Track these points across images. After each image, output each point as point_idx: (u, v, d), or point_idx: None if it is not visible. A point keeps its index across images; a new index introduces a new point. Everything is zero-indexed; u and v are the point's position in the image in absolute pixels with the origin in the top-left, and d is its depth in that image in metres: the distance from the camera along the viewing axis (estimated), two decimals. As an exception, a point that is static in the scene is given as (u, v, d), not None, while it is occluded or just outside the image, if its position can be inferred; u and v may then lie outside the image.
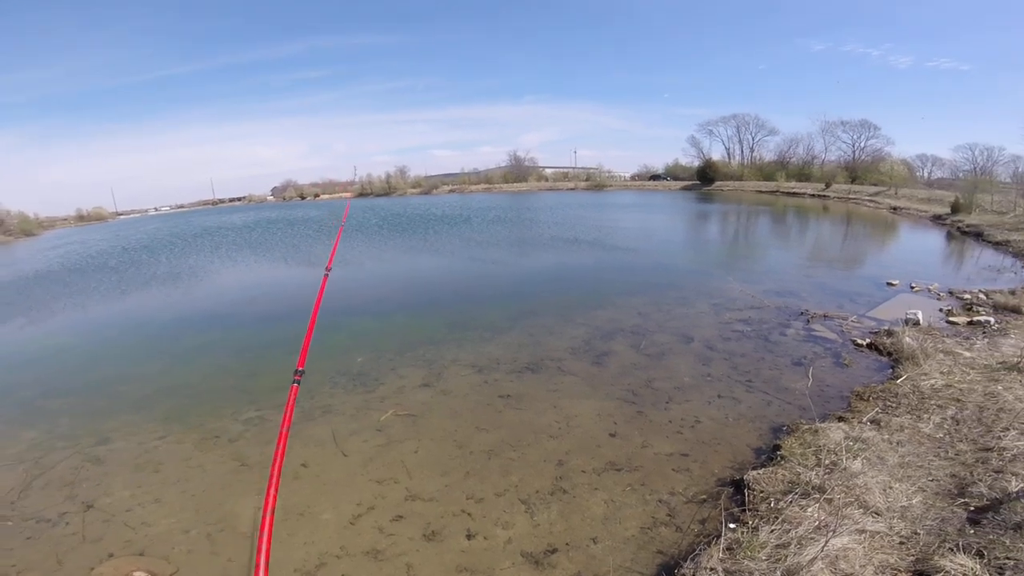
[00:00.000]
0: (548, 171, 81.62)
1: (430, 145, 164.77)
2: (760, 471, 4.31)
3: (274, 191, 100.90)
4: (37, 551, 3.99)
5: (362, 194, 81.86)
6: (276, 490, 1.49)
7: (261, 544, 1.30)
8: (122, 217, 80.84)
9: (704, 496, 4.22)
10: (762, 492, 4.00)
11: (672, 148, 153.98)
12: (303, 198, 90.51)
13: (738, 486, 4.24)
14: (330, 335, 8.87)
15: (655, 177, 70.23)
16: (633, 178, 74.54)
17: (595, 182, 67.43)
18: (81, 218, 72.95)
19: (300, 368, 2.07)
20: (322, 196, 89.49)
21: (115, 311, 13.01)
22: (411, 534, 3.98)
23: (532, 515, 4.13)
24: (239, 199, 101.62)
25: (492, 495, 4.41)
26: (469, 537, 3.93)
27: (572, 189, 66.41)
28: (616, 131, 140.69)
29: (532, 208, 40.21)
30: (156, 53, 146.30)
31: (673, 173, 68.82)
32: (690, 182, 61.78)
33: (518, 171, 77.24)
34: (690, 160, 66.76)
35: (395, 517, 4.20)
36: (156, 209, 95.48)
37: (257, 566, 1.26)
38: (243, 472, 5.00)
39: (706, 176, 59.46)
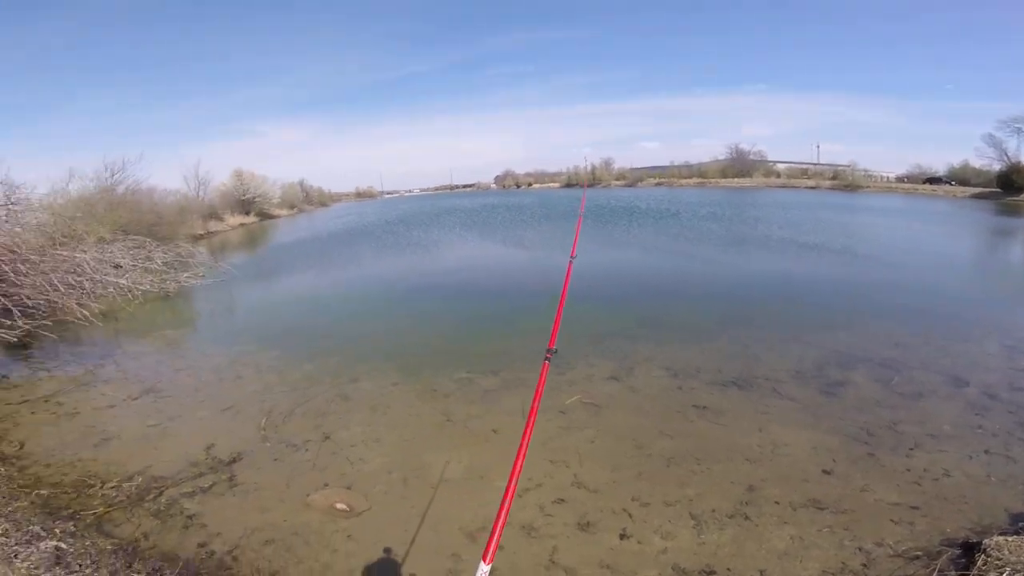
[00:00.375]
0: (780, 167, 71.83)
1: (636, 137, 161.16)
2: (1010, 538, 3.33)
3: (496, 179, 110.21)
4: (276, 472, 4.96)
5: (568, 184, 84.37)
6: (522, 460, 1.50)
7: (501, 510, 1.32)
8: (386, 196, 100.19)
9: (918, 553, 3.45)
10: (999, 560, 3.12)
11: (954, 148, 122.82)
12: (519, 187, 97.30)
13: (969, 550, 3.38)
14: (534, 315, 9.26)
15: (933, 180, 55.44)
16: (900, 180, 60.37)
17: (845, 181, 56.45)
18: (358, 195, 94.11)
19: (551, 347, 2.11)
20: (534, 185, 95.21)
21: (378, 271, 17.07)
22: (567, 519, 3.98)
23: (699, 532, 3.80)
24: (469, 186, 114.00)
25: (660, 502, 4.17)
26: (623, 537, 3.78)
27: (813, 188, 57.10)
28: (871, 125, 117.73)
29: (758, 205, 36.18)
30: (402, 53, 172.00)
31: (959, 177, 53.50)
32: (985, 189, 47.52)
33: (740, 165, 69.11)
34: (987, 163, 51.03)
35: (557, 499, 4.24)
36: (409, 191, 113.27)
37: (493, 531, 1.29)
38: (446, 427, 5.60)
39: (1011, 183, 45.01)
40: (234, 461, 5.10)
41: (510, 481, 1.39)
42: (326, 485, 4.63)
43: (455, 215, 37.65)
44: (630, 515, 4.01)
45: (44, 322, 9.36)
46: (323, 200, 71.02)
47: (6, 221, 10.20)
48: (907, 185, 55.86)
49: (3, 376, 8.12)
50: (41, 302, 9.85)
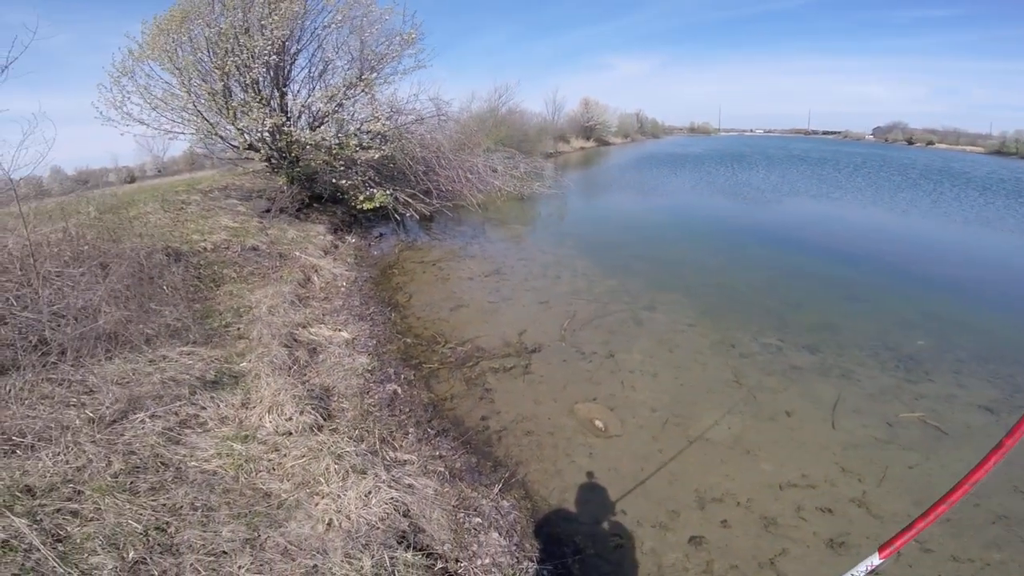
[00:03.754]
0: None
1: None
2: None
3: (875, 131, 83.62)
4: (561, 372, 4.97)
5: (1000, 152, 56.18)
6: (996, 462, 1.13)
7: (929, 515, 1.11)
8: (723, 133, 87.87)
9: None
10: None
11: None
12: (911, 143, 71.47)
13: None
14: (895, 299, 6.93)
15: None
16: None
17: None
18: (692, 130, 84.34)
19: None
20: (939, 145, 67.84)
21: (698, 203, 15.47)
22: (820, 530, 3.05)
23: None
24: (834, 133, 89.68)
25: (947, 554, 2.90)
26: (872, 572, 2.46)
27: None
28: None
29: None
30: None
31: None
32: None
33: None
34: None
35: (823, 508, 3.23)
36: (751, 131, 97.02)
37: (908, 530, 1.14)
38: (731, 388, 4.70)
39: None
40: (535, 351, 5.38)
41: (962, 483, 1.10)
42: (594, 399, 4.49)
43: (809, 163, 30.22)
44: (899, 553, 2.67)
45: (447, 204, 11.65)
46: (655, 132, 67.87)
47: (435, 129, 12.68)
48: None
49: (413, 240, 10.57)
50: (448, 189, 12.26)
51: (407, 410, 4.09)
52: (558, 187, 16.40)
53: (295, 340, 4.65)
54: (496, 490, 3.26)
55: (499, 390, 4.60)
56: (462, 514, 2.92)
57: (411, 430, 3.71)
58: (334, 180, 9.61)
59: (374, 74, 9.34)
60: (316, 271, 6.94)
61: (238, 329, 4.75)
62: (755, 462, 3.67)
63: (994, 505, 3.25)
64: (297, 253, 7.23)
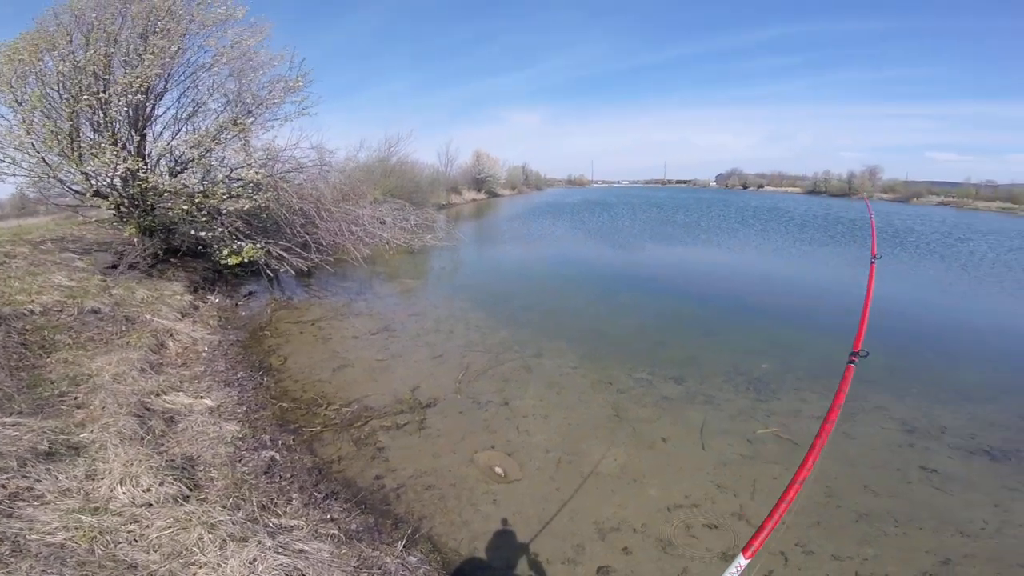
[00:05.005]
0: None
1: (925, 146, 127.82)
2: None
3: (718, 178, 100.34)
4: (458, 424, 5.19)
5: (813, 191, 70.43)
6: (813, 461, 1.45)
7: (776, 509, 1.31)
8: (595, 184, 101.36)
9: None
10: None
11: None
12: (745, 187, 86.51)
13: None
14: (742, 330, 8.30)
15: None
16: None
17: None
18: (570, 181, 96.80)
19: (856, 350, 2.06)
20: (767, 188, 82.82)
21: (575, 251, 17.27)
22: (712, 546, 3.52)
23: None
24: (685, 181, 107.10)
25: (828, 554, 3.47)
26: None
27: None
28: None
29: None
30: (634, 44, 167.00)
31: None
32: None
33: None
34: None
35: (710, 524, 3.75)
36: (618, 182, 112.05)
37: (762, 527, 1.29)
38: (613, 423, 5.25)
39: None
40: (430, 405, 5.52)
41: (792, 483, 1.29)
42: (492, 447, 4.73)
43: (662, 208, 36.87)
44: (786, 558, 3.40)
45: (328, 258, 11.52)
46: (539, 184, 74.34)
47: (317, 177, 12.68)
48: None
49: (289, 298, 10.25)
50: (330, 242, 12.15)
51: (288, 476, 3.98)
52: (450, 239, 17.06)
53: (147, 409, 4.33)
54: (400, 547, 3.30)
55: (393, 448, 4.64)
56: (365, 573, 2.92)
57: (295, 496, 3.63)
58: (195, 232, 9.14)
59: (251, 118, 9.27)
60: (172, 335, 6.47)
61: (75, 399, 4.30)
62: (643, 489, 4.13)
63: (852, 504, 3.97)
64: (148, 316, 6.68)
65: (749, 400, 5.77)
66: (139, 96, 8.03)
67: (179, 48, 8.51)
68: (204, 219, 9.15)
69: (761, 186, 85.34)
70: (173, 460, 3.60)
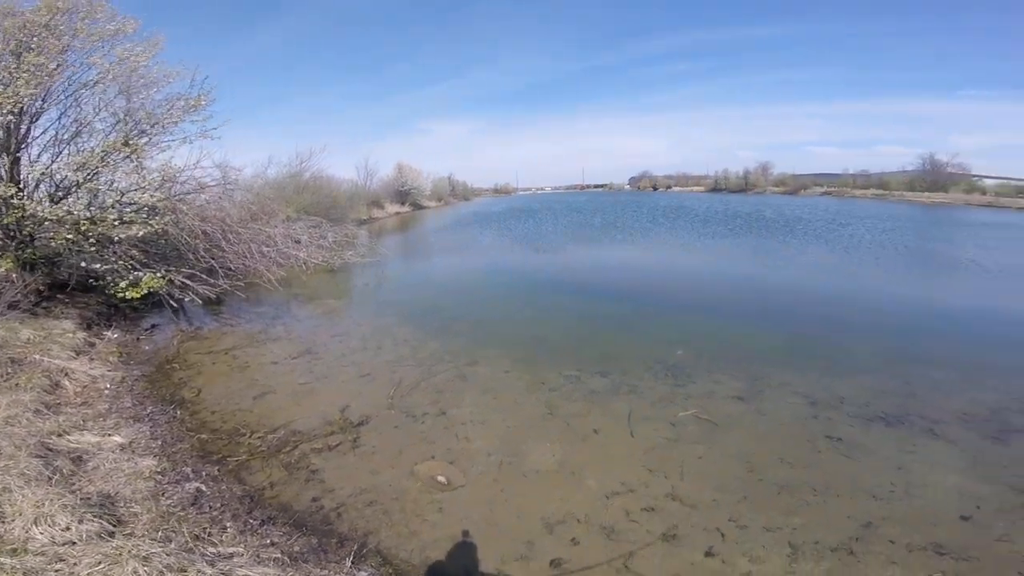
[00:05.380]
0: (989, 182, 57.94)
1: (808, 142, 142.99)
2: None
3: (631, 181, 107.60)
4: (394, 439, 5.22)
5: (715, 189, 77.65)
6: None
7: None
8: (520, 192, 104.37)
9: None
10: None
11: None
12: (655, 188, 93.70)
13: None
14: (657, 322, 8.97)
15: None
16: None
17: None
18: (496, 191, 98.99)
19: None
20: (674, 188, 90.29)
21: (502, 259, 18.09)
22: (652, 528, 3.79)
23: (793, 561, 3.44)
24: (601, 186, 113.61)
25: (759, 527, 3.79)
26: (708, 554, 3.51)
27: (1031, 208, 45.59)
28: None
29: (956, 223, 30.06)
30: (557, 55, 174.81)
31: None
32: None
33: (933, 177, 57.33)
34: None
35: (647, 508, 4.03)
36: (540, 189, 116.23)
37: None
38: (548, 420, 5.52)
39: None
40: (362, 424, 5.48)
41: None
42: (432, 457, 4.80)
43: (583, 212, 38.93)
44: (722, 534, 3.71)
45: (238, 283, 10.97)
46: (466, 194, 75.36)
47: (221, 197, 12.08)
48: None
49: (197, 328, 9.67)
50: (239, 266, 11.57)
51: (219, 506, 3.86)
52: (373, 255, 16.77)
53: (50, 450, 4.02)
54: (348, 563, 3.29)
55: (327, 469, 4.58)
56: (315, 593, 2.93)
57: (229, 524, 3.53)
58: (84, 264, 8.43)
59: (144, 139, 8.73)
60: (67, 375, 5.96)
61: (-38, 447, 3.94)
62: (581, 480, 4.38)
63: (773, 477, 4.38)
64: (38, 356, 6.09)
65: (668, 386, 6.26)
66: (10, 116, 7.36)
67: (59, 65, 7.90)
68: (93, 249, 8.48)
69: (669, 187, 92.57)
70: (89, 498, 3.40)
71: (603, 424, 5.36)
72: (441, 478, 4.43)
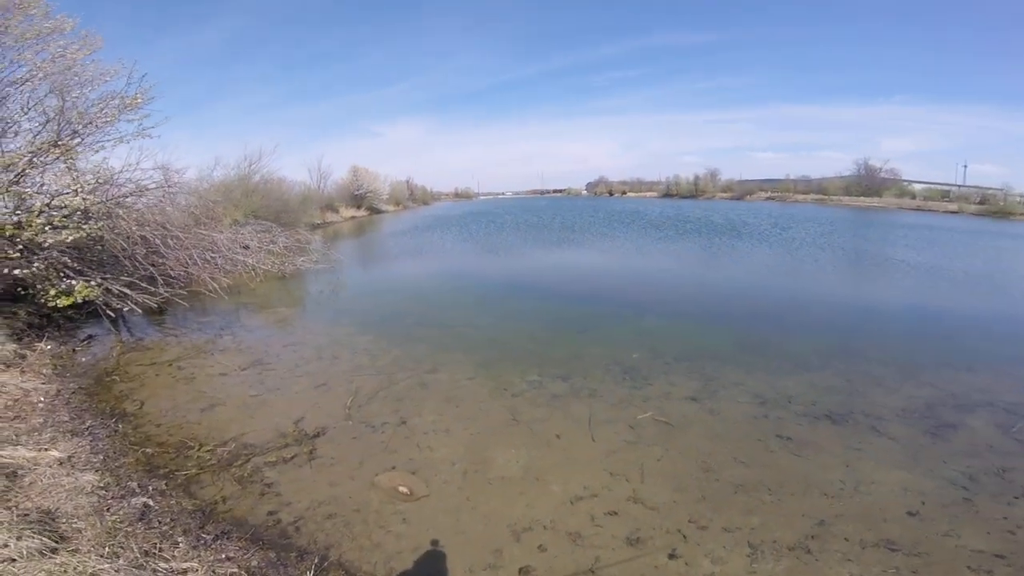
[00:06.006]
0: (917, 187, 63.14)
1: (750, 147, 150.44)
2: None
3: (588, 186, 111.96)
4: (352, 450, 5.18)
5: (667, 195, 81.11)
6: None
7: None
8: (481, 197, 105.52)
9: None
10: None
11: None
12: (611, 194, 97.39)
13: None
14: (614, 325, 9.22)
15: None
16: None
17: (993, 207, 48.57)
18: (456, 195, 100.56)
19: None
20: (628, 193, 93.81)
21: (464, 263, 18.35)
22: (616, 532, 3.89)
23: (753, 561, 3.59)
24: (560, 191, 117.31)
25: (719, 527, 3.95)
26: (671, 556, 3.63)
27: (955, 212, 49.79)
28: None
29: (887, 225, 32.49)
30: (515, 55, 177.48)
31: None
32: None
33: (867, 182, 61.80)
34: None
35: (611, 512, 4.13)
36: (501, 194, 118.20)
37: None
38: (511, 427, 5.58)
39: None
40: (318, 436, 5.40)
41: None
42: (393, 468, 4.78)
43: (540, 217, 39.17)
44: (684, 536, 3.85)
45: (181, 291, 10.54)
46: (425, 199, 75.23)
47: (162, 200, 11.60)
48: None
49: (139, 339, 9.28)
50: (181, 273, 11.12)
51: (168, 520, 3.75)
52: (328, 261, 16.43)
53: (-21, 467, 3.84)
54: None
55: (283, 482, 4.50)
56: (275, 607, 2.89)
57: (180, 539, 3.43)
58: (8, 271, 7.93)
59: (77, 139, 8.30)
60: (-7, 390, 5.66)
61: None
62: (546, 486, 4.44)
63: (729, 477, 4.57)
64: (-43, 372, 5.76)
65: (627, 388, 6.47)
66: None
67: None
68: (18, 256, 8.00)
69: (624, 192, 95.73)
70: (27, 514, 3.24)
71: (565, 429, 5.47)
72: (403, 488, 4.41)
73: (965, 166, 67.05)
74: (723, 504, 4.22)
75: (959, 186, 61.03)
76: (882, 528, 3.93)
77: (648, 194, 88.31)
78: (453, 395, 6.38)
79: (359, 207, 47.40)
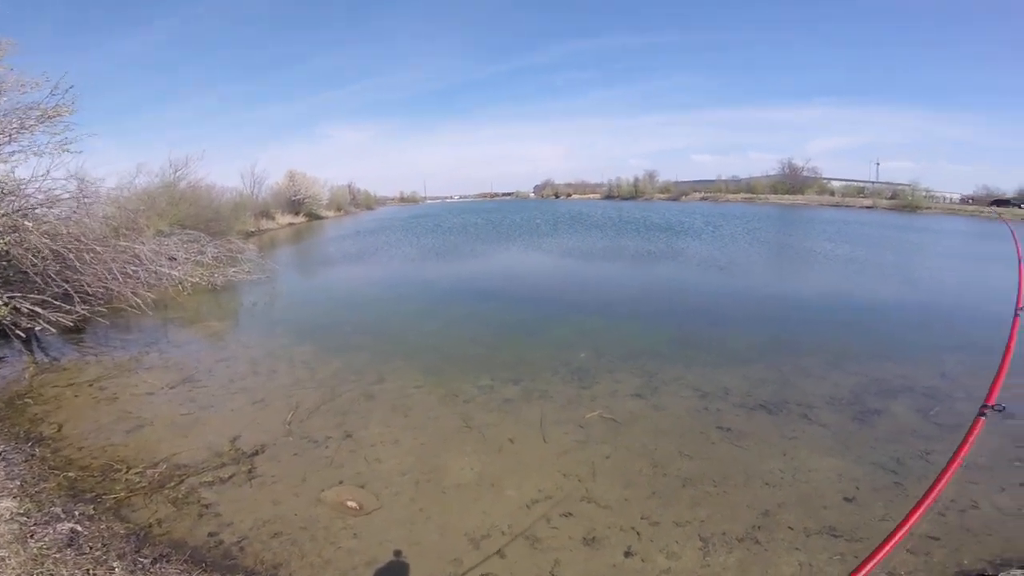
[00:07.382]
0: (836, 184, 68.35)
1: (688, 149, 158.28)
2: (1029, 571, 3.07)
3: (535, 189, 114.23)
4: (295, 466, 5.04)
5: (609, 196, 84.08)
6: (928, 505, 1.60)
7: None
8: (428, 201, 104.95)
9: (929, 582, 3.24)
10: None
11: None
12: (557, 196, 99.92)
13: (980, 581, 3.13)
14: (560, 326, 9.47)
15: (1000, 203, 51.32)
16: (964, 201, 57.02)
17: (903, 202, 53.23)
18: (402, 199, 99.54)
19: (989, 404, 1.93)
20: (574, 196, 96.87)
21: (408, 269, 17.99)
22: (572, 533, 3.95)
23: (706, 554, 3.71)
24: (509, 194, 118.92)
25: (670, 522, 4.08)
26: (627, 555, 3.72)
27: (870, 208, 54.07)
28: (948, 142, 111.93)
29: (809, 221, 35.12)
30: (462, 61, 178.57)
31: (1033, 198, 50.24)
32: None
33: (791, 181, 66.44)
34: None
35: (565, 513, 4.20)
36: (449, 198, 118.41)
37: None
38: (463, 433, 5.59)
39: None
40: (256, 453, 5.22)
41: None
42: (340, 482, 4.68)
43: (489, 222, 39.44)
44: (638, 533, 3.95)
45: (100, 308, 9.89)
46: (369, 204, 73.80)
47: (75, 212, 10.83)
48: (972, 207, 52.09)
49: (54, 359, 8.63)
50: (100, 289, 10.42)
51: (100, 546, 3.57)
52: (263, 270, 15.79)
53: None
54: None
55: (222, 502, 4.33)
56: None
57: (116, 564, 3.27)
58: None
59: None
60: None
61: None
62: (501, 491, 4.48)
63: (675, 471, 4.73)
64: None
65: (575, 388, 6.64)
66: None
67: None
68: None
69: (569, 194, 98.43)
70: None
71: (517, 432, 5.55)
72: (352, 503, 4.35)
73: (878, 164, 72.34)
74: (672, 499, 4.38)
75: (873, 183, 66.52)
76: (822, 515, 4.12)
77: (591, 195, 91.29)
78: (401, 404, 6.32)
79: (297, 213, 45.93)
